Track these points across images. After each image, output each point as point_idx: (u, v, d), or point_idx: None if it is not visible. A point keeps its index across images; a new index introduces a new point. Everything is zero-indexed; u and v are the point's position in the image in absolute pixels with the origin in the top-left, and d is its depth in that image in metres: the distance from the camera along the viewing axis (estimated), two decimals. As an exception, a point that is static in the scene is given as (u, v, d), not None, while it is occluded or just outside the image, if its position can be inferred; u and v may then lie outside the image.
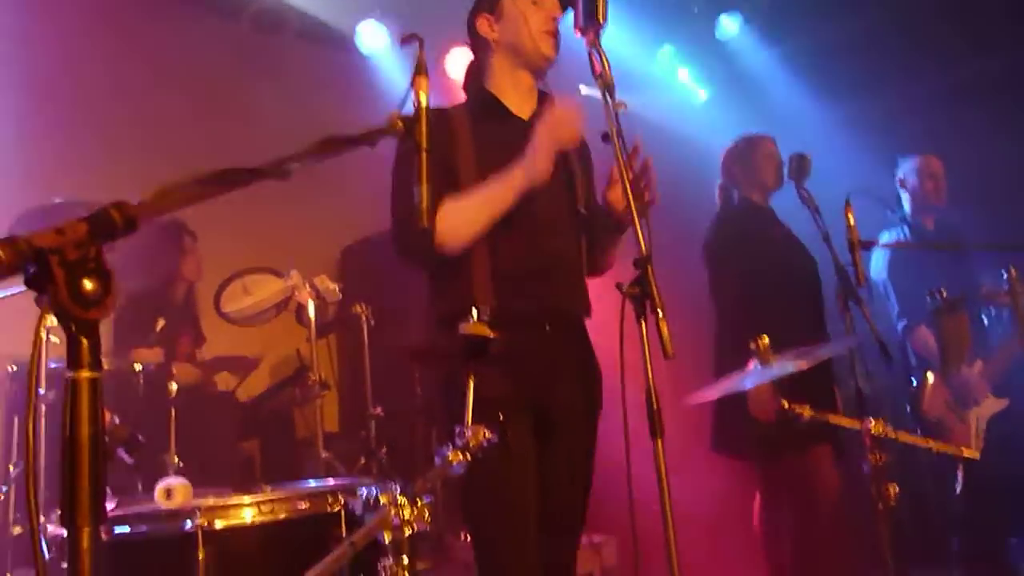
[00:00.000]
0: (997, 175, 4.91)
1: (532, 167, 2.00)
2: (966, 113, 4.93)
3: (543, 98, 2.28)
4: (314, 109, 4.39)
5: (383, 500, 1.21)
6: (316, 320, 3.66)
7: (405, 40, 1.47)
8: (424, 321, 2.28)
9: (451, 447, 1.36)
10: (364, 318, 4.08)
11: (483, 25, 2.26)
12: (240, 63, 4.51)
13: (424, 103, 1.40)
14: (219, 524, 1.55)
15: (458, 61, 5.13)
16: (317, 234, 4.54)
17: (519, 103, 2.24)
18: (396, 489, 1.25)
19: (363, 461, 3.95)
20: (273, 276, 3.66)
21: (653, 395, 1.92)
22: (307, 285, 3.63)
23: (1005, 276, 3.01)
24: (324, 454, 3.54)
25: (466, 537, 4.24)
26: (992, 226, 4.48)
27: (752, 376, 2.46)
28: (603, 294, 2.32)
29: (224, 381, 4.15)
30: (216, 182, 0.96)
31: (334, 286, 3.75)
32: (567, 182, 2.26)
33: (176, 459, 3.18)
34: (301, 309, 3.69)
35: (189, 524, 1.56)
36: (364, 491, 1.26)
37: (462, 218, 2.03)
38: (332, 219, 4.63)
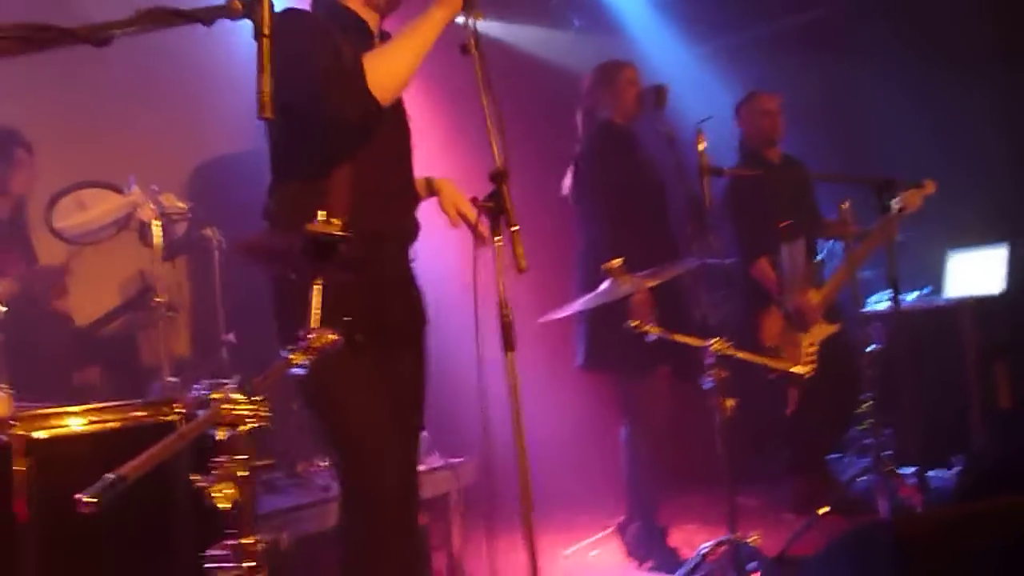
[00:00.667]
0: (838, 110, 5.22)
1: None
2: (812, 52, 5.20)
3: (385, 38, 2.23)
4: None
5: (214, 396, 1.17)
6: (163, 240, 3.44)
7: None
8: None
9: (293, 348, 1.32)
10: (215, 242, 3.89)
11: None
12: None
13: (265, -15, 1.31)
14: (41, 434, 1.45)
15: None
16: (165, 150, 4.23)
17: (370, 19, 2.21)
18: (229, 385, 1.20)
19: (214, 389, 3.81)
20: (112, 191, 3.40)
21: (505, 307, 1.95)
22: (151, 202, 3.40)
23: (838, 210, 3.20)
24: (171, 379, 3.38)
25: (321, 463, 4.21)
26: (834, 159, 4.78)
27: (603, 294, 2.53)
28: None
29: (59, 304, 3.87)
30: (20, 36, 0.86)
31: (182, 205, 3.53)
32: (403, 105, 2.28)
33: (4, 386, 2.95)
34: (144, 228, 3.45)
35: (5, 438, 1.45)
36: (196, 388, 1.20)
37: (392, 64, 2.01)
38: (182, 136, 4.33)
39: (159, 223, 3.45)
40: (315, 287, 1.43)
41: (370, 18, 2.21)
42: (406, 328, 2.26)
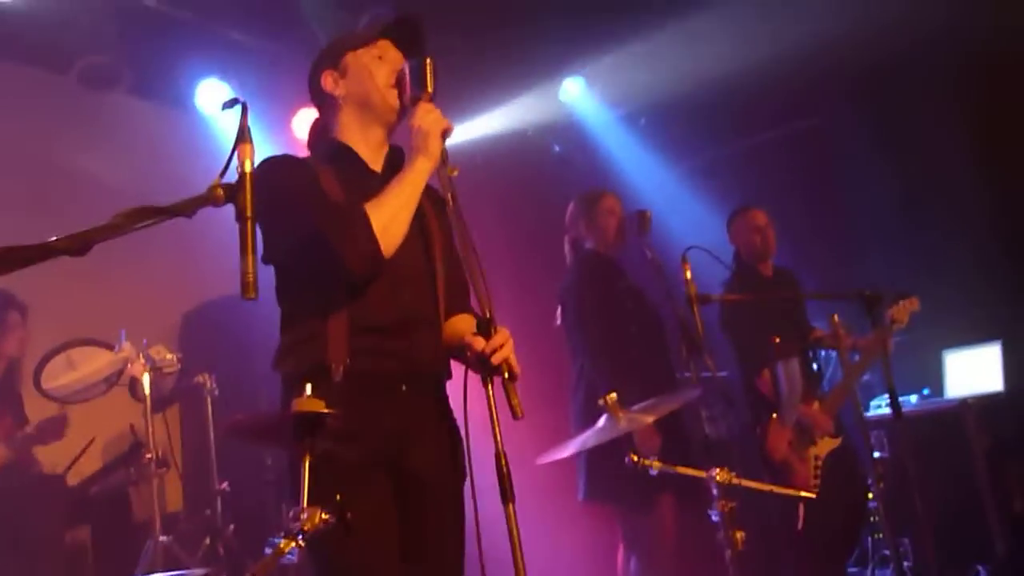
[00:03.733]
0: (822, 222, 5.30)
1: (427, 150, 1.99)
2: (794, 164, 5.33)
3: (395, 153, 2.19)
4: (150, 170, 4.18)
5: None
6: (152, 393, 3.41)
7: (227, 104, 1.41)
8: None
9: (283, 534, 1.27)
10: (207, 388, 3.86)
11: (328, 82, 2.18)
12: (67, 120, 4.24)
13: (248, 170, 1.34)
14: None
15: (306, 121, 5.03)
16: (152, 301, 4.25)
17: (371, 157, 2.15)
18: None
19: (208, 542, 3.69)
20: (102, 348, 3.40)
21: (502, 459, 1.89)
22: (141, 356, 3.39)
23: (829, 324, 3.21)
24: (163, 539, 3.27)
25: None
26: (822, 272, 4.83)
27: (601, 431, 2.49)
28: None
29: (50, 465, 3.79)
30: (-2, 261, 0.86)
31: (172, 356, 3.52)
32: (421, 235, 2.16)
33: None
34: (135, 382, 3.43)
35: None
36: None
37: (389, 215, 1.96)
38: (168, 284, 4.37)
39: (150, 375, 3.44)
40: (304, 463, 1.40)
41: (370, 157, 2.16)
42: (432, 480, 2.07)
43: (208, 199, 1.26)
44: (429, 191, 2.17)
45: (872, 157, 5.13)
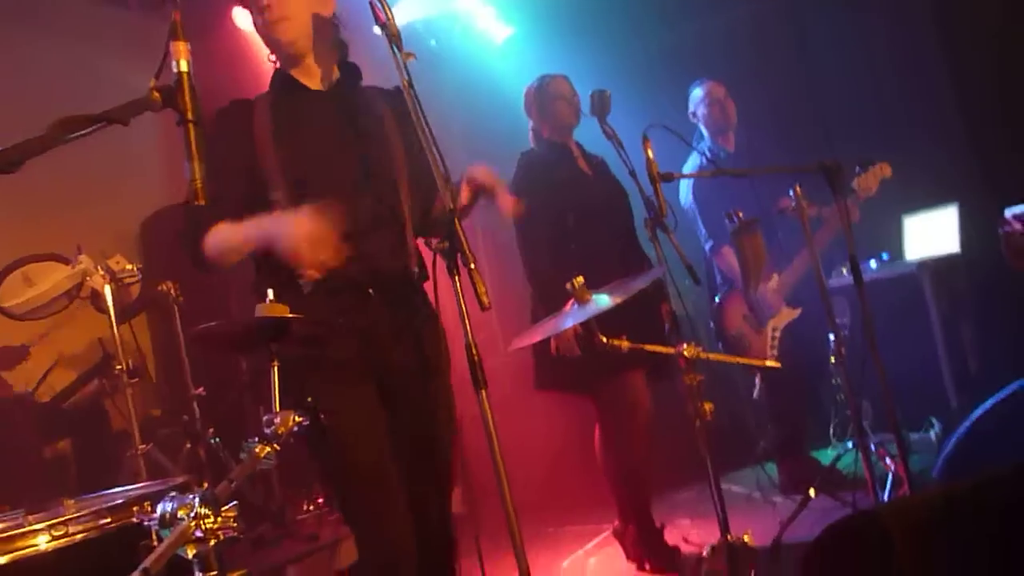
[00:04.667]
0: (783, 98, 5.25)
1: (275, 232, 1.94)
2: (754, 39, 5.23)
3: (347, 68, 2.30)
4: (90, 69, 3.98)
5: (181, 513, 1.12)
6: (116, 304, 3.37)
7: (159, 2, 1.32)
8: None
9: (257, 439, 1.28)
10: (172, 295, 3.82)
11: None
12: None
13: (184, 69, 1.27)
14: (3, 559, 1.39)
15: (245, 13, 4.79)
16: (108, 211, 4.15)
17: (320, 74, 2.25)
18: (195, 499, 1.15)
19: (189, 446, 3.75)
20: (59, 263, 3.32)
21: (473, 347, 1.92)
22: (100, 268, 3.32)
23: (791, 194, 3.21)
24: (142, 447, 3.31)
25: (308, 507, 4.16)
26: (784, 144, 4.81)
27: (571, 316, 2.51)
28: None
29: (21, 383, 3.78)
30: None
31: (132, 266, 3.46)
32: (382, 142, 2.24)
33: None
34: (97, 295, 3.38)
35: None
36: (160, 506, 1.15)
37: (216, 247, 2.07)
38: (124, 193, 4.25)
39: (111, 287, 3.38)
40: (273, 368, 1.39)
41: (311, 79, 2.24)
42: (408, 375, 2.18)
43: (145, 104, 1.20)
44: (387, 94, 2.29)
45: (831, 28, 5.04)
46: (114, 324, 3.34)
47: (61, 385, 3.79)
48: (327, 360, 2.04)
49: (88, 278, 3.30)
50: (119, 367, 3.33)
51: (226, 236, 2.05)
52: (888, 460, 3.53)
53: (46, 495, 2.13)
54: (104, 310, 3.36)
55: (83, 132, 1.05)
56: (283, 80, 2.25)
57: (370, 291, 2.12)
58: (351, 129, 2.22)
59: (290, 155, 2.12)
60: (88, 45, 4.16)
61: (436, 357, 2.22)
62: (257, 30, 2.24)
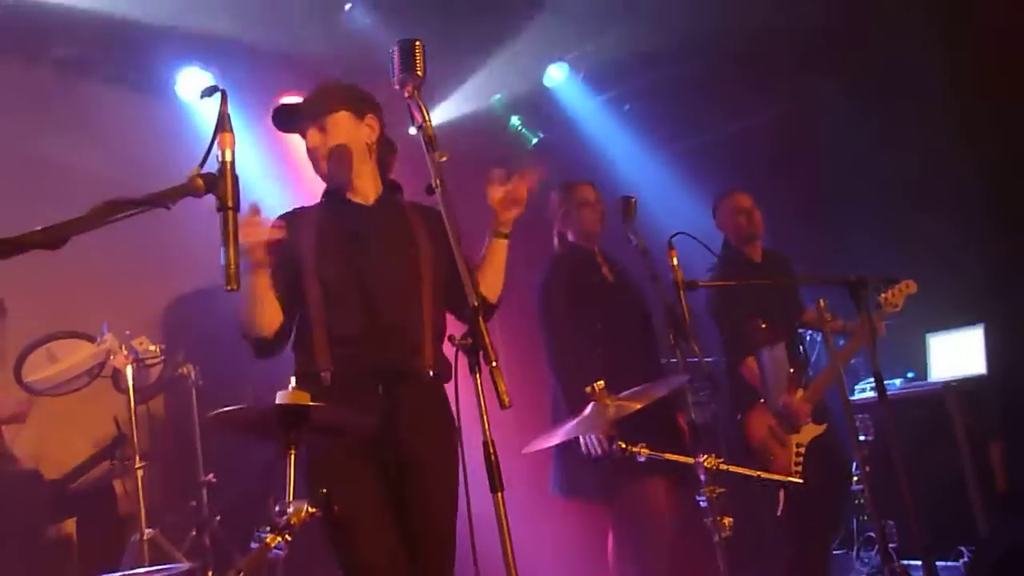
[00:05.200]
0: (810, 210, 5.30)
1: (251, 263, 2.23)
2: (780, 148, 5.32)
3: (391, 185, 2.56)
4: (131, 160, 4.11)
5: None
6: (135, 385, 3.38)
7: (206, 92, 1.38)
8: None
9: (269, 529, 1.26)
10: (191, 379, 3.83)
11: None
12: (44, 110, 4.16)
13: (228, 159, 1.31)
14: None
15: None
16: (134, 293, 4.19)
17: (364, 191, 2.48)
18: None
19: (194, 534, 3.67)
20: (83, 340, 3.35)
21: (490, 447, 1.89)
22: (123, 348, 3.35)
23: (815, 307, 3.20)
24: (148, 531, 3.25)
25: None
26: (810, 257, 4.83)
27: (589, 420, 2.48)
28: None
29: (30, 458, 3.75)
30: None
31: (154, 347, 3.48)
32: (407, 248, 2.44)
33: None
34: (118, 374, 3.40)
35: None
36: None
37: (241, 318, 2.35)
38: (151, 276, 4.31)
39: (133, 367, 3.40)
40: (290, 456, 1.38)
41: (361, 192, 2.51)
42: (419, 467, 2.30)
43: (187, 189, 1.23)
44: (424, 209, 2.51)
45: (859, 141, 5.13)
46: (132, 405, 3.33)
47: (69, 462, 3.75)
48: (340, 453, 2.13)
49: (111, 357, 3.32)
50: (132, 447, 3.31)
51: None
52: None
53: (50, 576, 2.09)
54: (124, 390, 3.37)
55: (128, 214, 1.08)
56: (329, 193, 2.52)
57: (379, 387, 2.27)
58: (382, 240, 2.43)
59: (322, 259, 2.36)
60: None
61: (448, 451, 2.28)
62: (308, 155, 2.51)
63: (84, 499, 3.79)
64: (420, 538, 2.29)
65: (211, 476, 3.81)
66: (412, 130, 2.10)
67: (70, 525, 3.84)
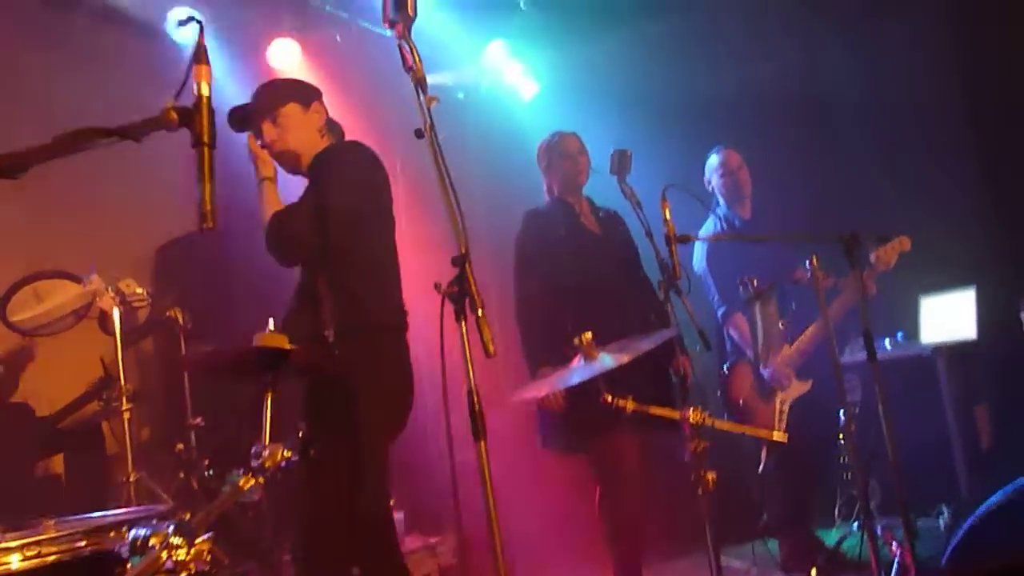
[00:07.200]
0: (804, 169, 5.24)
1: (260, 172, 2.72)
2: (776, 104, 5.24)
3: None
4: (117, 95, 4.02)
5: (153, 541, 1.08)
6: (123, 327, 3.36)
7: (183, 22, 1.34)
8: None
9: (243, 471, 1.25)
10: (179, 322, 3.81)
11: None
12: (31, 42, 4.05)
13: (205, 93, 1.27)
14: (-28, 576, 1.35)
15: (281, 52, 4.87)
16: (123, 235, 4.16)
17: None
18: (169, 528, 1.11)
19: (182, 476, 3.69)
20: (69, 281, 3.32)
21: (475, 396, 1.88)
22: (110, 290, 3.32)
23: (807, 264, 3.17)
24: (134, 474, 3.26)
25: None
26: (803, 214, 4.79)
27: (578, 371, 2.47)
28: (424, 294, 2.29)
29: (20, 396, 3.75)
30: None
31: (142, 290, 3.46)
32: None
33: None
34: (105, 316, 3.38)
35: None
36: (132, 532, 1.11)
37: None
38: (140, 219, 4.26)
39: (119, 310, 3.38)
40: (267, 398, 1.36)
41: None
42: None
43: (160, 122, 1.19)
44: None
45: (854, 98, 5.06)
46: (119, 346, 3.32)
47: (59, 400, 3.75)
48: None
49: (98, 299, 3.30)
50: (120, 388, 3.30)
51: None
52: (895, 545, 3.42)
53: (35, 512, 2.09)
54: (111, 332, 3.35)
55: (94, 144, 1.04)
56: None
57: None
58: None
59: None
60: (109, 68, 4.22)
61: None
62: None
63: (73, 438, 3.80)
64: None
65: (199, 420, 3.81)
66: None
67: (58, 463, 3.86)
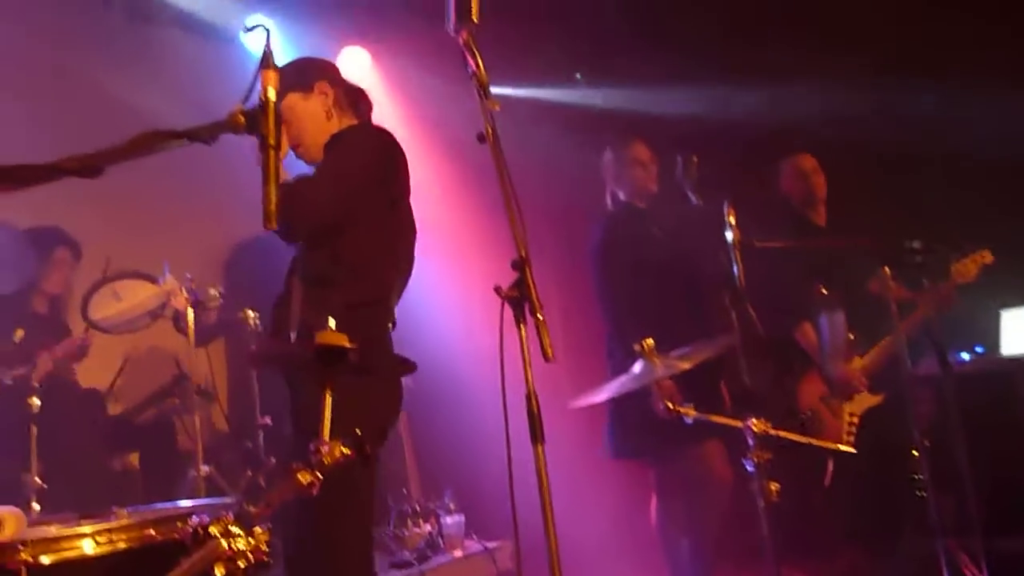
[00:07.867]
0: (885, 178, 5.09)
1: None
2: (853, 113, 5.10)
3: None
4: (197, 103, 4.17)
5: (213, 529, 1.11)
6: (196, 327, 3.47)
7: (250, 29, 1.37)
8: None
9: (301, 465, 1.27)
10: (252, 323, 3.91)
11: None
12: (112, 53, 4.23)
13: (271, 97, 1.31)
14: (47, 559, 1.41)
15: (350, 60, 4.97)
16: (198, 236, 4.30)
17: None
18: (229, 515, 1.15)
19: (250, 474, 3.79)
20: (146, 281, 3.45)
21: (533, 399, 1.88)
22: (184, 290, 3.44)
23: (880, 274, 3.08)
24: (204, 469, 3.36)
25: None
26: (882, 224, 4.65)
27: (637, 377, 2.45)
28: (484, 298, 2.29)
29: (98, 392, 3.90)
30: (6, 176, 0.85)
31: (215, 291, 3.57)
32: None
33: (38, 480, 2.96)
34: (179, 315, 3.49)
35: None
36: (195, 518, 1.15)
37: None
38: (217, 219, 4.40)
39: (193, 309, 3.49)
40: (326, 395, 1.39)
41: None
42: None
43: (228, 125, 1.23)
44: None
45: (934, 104, 4.90)
46: (192, 346, 3.43)
47: (137, 400, 3.89)
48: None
49: (172, 299, 3.41)
50: (193, 386, 3.41)
51: None
52: (968, 566, 3.29)
53: (113, 504, 2.17)
54: (184, 331, 3.46)
55: (164, 147, 1.08)
56: None
57: None
58: None
59: None
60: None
61: None
62: None
63: (147, 433, 3.94)
64: None
65: (267, 419, 3.91)
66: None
67: (134, 457, 4.00)
